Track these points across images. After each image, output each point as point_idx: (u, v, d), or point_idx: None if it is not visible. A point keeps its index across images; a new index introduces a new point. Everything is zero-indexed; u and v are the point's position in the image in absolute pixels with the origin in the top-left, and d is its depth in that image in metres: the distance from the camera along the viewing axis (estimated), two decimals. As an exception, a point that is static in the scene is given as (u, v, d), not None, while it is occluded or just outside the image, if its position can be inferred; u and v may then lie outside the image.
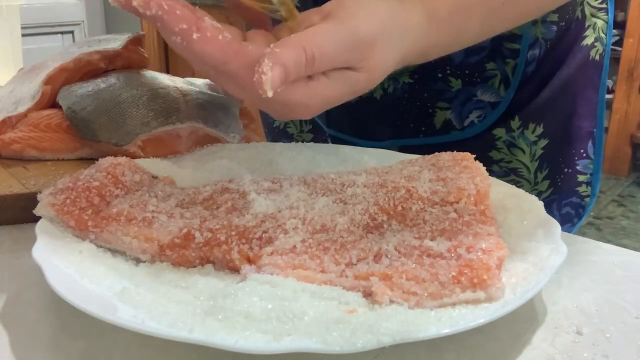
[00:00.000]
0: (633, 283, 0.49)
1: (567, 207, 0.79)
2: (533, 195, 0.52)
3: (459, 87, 0.73)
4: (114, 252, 0.48)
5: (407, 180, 0.52)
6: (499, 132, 0.74)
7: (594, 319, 0.44)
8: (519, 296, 0.39)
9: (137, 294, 0.41)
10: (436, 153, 0.57)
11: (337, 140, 0.83)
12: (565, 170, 0.78)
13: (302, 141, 0.71)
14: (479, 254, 0.41)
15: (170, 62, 3.27)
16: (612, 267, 0.51)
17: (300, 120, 0.89)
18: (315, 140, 0.88)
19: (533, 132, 0.75)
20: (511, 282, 0.42)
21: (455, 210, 0.47)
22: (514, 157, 0.75)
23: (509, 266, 0.43)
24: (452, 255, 0.42)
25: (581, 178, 0.79)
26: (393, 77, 0.75)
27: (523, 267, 0.43)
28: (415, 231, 0.46)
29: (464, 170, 0.52)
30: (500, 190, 0.53)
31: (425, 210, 0.48)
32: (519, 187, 0.75)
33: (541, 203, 0.51)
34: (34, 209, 0.49)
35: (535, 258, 0.44)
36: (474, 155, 0.54)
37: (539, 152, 0.76)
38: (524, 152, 0.75)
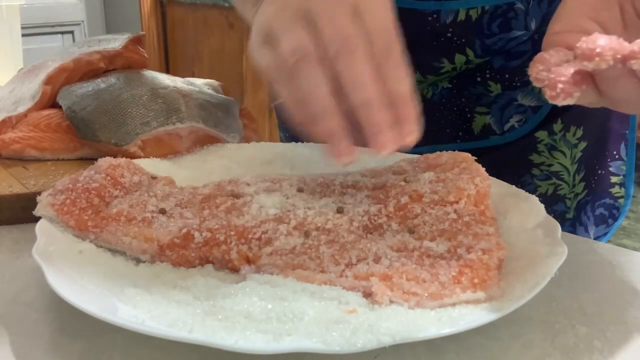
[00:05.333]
0: (633, 283, 0.49)
1: (600, 208, 0.79)
2: (533, 195, 0.52)
3: (499, 92, 0.72)
4: (114, 252, 0.48)
5: (407, 180, 0.52)
6: (542, 134, 0.74)
7: (594, 319, 0.44)
8: (519, 296, 0.39)
9: (137, 294, 0.41)
10: (437, 152, 0.57)
11: None
12: (599, 172, 0.78)
13: None
14: (479, 254, 0.41)
15: (170, 62, 3.27)
16: (612, 267, 0.51)
17: None
18: None
19: (574, 134, 0.74)
20: (511, 282, 0.42)
21: (455, 211, 0.47)
22: (555, 160, 0.75)
23: (509, 266, 0.43)
24: (452, 255, 0.42)
25: (614, 179, 0.79)
26: (432, 83, 0.75)
27: (523, 267, 0.43)
28: (415, 232, 0.46)
29: (463, 171, 0.52)
30: (500, 190, 0.53)
31: (425, 211, 0.48)
32: (559, 190, 0.76)
33: (541, 204, 0.51)
34: (34, 209, 0.49)
35: (535, 258, 0.44)
36: (474, 158, 0.54)
37: (579, 154, 0.75)
38: (565, 155, 0.75)
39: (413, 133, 0.47)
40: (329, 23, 0.48)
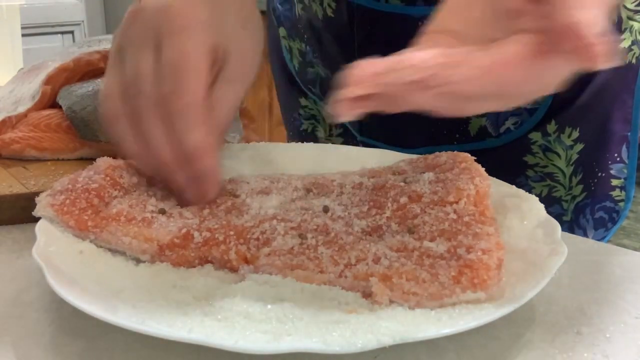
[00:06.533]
0: (633, 283, 0.49)
1: (600, 211, 0.79)
2: (533, 195, 0.52)
3: None
4: (114, 252, 0.48)
5: (407, 181, 0.52)
6: (535, 136, 0.74)
7: (594, 319, 0.44)
8: (519, 296, 0.39)
9: (137, 294, 0.41)
10: (436, 153, 0.56)
11: (369, 147, 0.82)
12: (599, 174, 0.77)
13: None
14: (479, 254, 0.41)
15: (170, 62, 3.27)
16: (612, 267, 0.51)
17: (330, 124, 0.88)
18: (345, 144, 0.87)
19: (569, 136, 0.74)
20: (511, 282, 0.42)
21: (454, 211, 0.47)
22: (550, 161, 0.74)
23: (509, 266, 0.43)
24: (452, 255, 0.42)
25: (615, 182, 0.78)
26: None
27: (523, 267, 0.43)
28: (414, 232, 0.46)
29: (463, 171, 0.52)
30: (500, 190, 0.53)
31: (425, 211, 0.48)
32: (554, 192, 0.76)
33: (541, 204, 0.51)
34: (34, 209, 0.49)
35: (535, 258, 0.44)
36: (473, 158, 0.54)
37: (575, 156, 0.75)
38: (559, 156, 0.74)
39: (212, 189, 0.50)
40: (130, 65, 0.49)
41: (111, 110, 0.51)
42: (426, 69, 0.37)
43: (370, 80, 0.38)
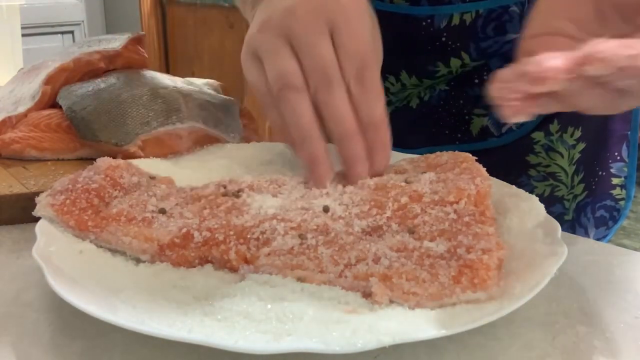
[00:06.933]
0: (633, 283, 0.49)
1: (601, 210, 0.79)
2: (533, 195, 0.52)
3: None
4: (114, 252, 0.48)
5: (407, 180, 0.52)
6: (538, 135, 0.74)
7: (594, 319, 0.44)
8: (519, 296, 0.39)
9: (137, 294, 0.41)
10: (437, 153, 0.56)
11: None
12: (600, 173, 0.77)
13: None
14: (479, 254, 0.41)
15: (170, 62, 3.27)
16: (612, 267, 0.51)
17: None
18: None
19: (572, 135, 0.74)
20: (511, 282, 0.41)
21: (455, 211, 0.47)
22: (552, 161, 0.74)
23: (509, 266, 0.43)
24: (452, 255, 0.42)
25: (615, 181, 0.78)
26: (430, 86, 0.75)
27: (523, 267, 0.43)
28: (414, 232, 0.46)
29: (464, 171, 0.52)
30: (500, 190, 0.53)
31: (425, 211, 0.48)
32: (556, 191, 0.75)
33: (541, 204, 0.51)
34: (34, 209, 0.49)
35: (535, 258, 0.44)
36: (474, 158, 0.54)
37: (577, 155, 0.75)
38: (562, 156, 0.74)
39: (384, 160, 0.54)
40: (308, 50, 0.52)
41: (293, 87, 0.53)
42: (619, 60, 0.37)
43: (554, 77, 0.37)
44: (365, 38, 0.53)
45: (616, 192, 0.78)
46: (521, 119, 0.40)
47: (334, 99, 0.51)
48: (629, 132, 0.77)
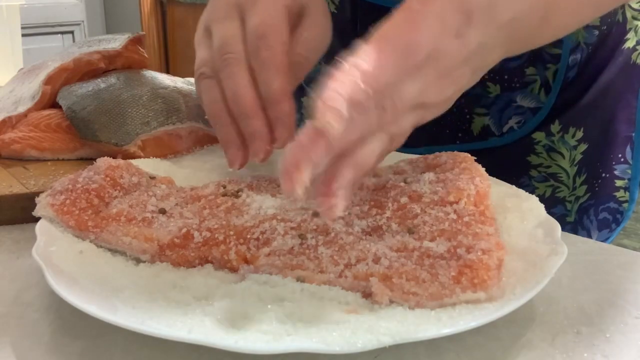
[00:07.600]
0: (633, 283, 0.49)
1: (604, 212, 0.78)
2: (533, 195, 0.52)
3: (498, 93, 0.71)
4: (114, 252, 0.48)
5: (407, 181, 0.52)
6: (539, 136, 0.73)
7: (594, 319, 0.44)
8: (519, 296, 0.39)
9: (137, 294, 0.41)
10: (436, 153, 0.56)
11: None
12: (603, 175, 0.76)
13: None
14: (479, 254, 0.41)
15: (170, 62, 3.27)
16: (612, 267, 0.51)
17: None
18: None
19: (573, 136, 0.73)
20: (511, 282, 0.41)
21: (454, 211, 0.47)
22: (554, 161, 0.74)
23: (509, 266, 0.43)
24: (452, 255, 0.42)
25: (619, 183, 0.78)
26: None
27: (523, 267, 0.43)
28: (414, 232, 0.46)
29: (463, 171, 0.52)
30: (500, 190, 0.53)
31: (425, 211, 0.48)
32: (558, 192, 0.75)
33: (541, 204, 0.51)
34: (34, 209, 0.49)
35: (535, 258, 0.44)
36: (474, 158, 0.54)
37: (579, 156, 0.74)
38: (563, 156, 0.74)
39: (286, 133, 0.53)
40: (215, 32, 0.55)
41: (203, 75, 0.55)
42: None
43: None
44: (267, 13, 0.54)
45: (619, 194, 0.78)
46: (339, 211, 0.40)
47: (233, 75, 0.53)
48: (633, 134, 0.77)
